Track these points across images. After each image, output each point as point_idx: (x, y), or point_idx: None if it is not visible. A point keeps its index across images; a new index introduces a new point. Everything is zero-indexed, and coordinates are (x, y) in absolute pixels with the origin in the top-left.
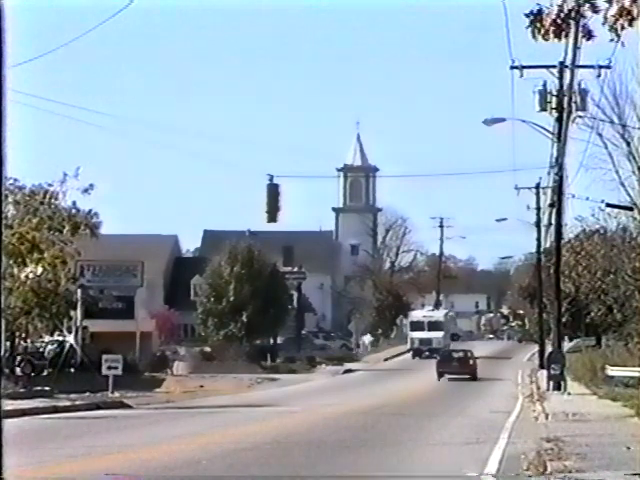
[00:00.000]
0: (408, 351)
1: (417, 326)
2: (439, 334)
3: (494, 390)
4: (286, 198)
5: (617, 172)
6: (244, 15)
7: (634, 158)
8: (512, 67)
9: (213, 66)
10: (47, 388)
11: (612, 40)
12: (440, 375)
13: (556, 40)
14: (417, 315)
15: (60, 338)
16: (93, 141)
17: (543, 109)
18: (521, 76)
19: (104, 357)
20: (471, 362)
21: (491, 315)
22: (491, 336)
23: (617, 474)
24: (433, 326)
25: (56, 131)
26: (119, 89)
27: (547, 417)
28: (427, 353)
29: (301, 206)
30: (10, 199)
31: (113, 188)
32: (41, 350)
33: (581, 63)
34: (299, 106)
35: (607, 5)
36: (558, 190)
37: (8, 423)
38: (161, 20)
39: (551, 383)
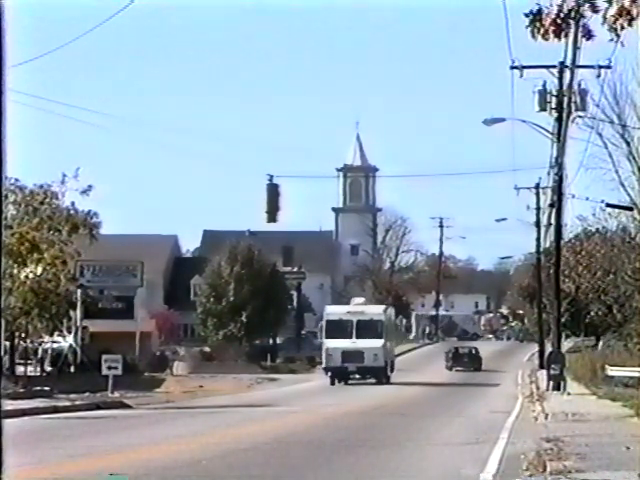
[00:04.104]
0: (326, 372)
1: (338, 329)
2: (376, 343)
3: (494, 390)
4: (286, 198)
5: (617, 172)
6: (244, 15)
7: (634, 158)
8: (512, 67)
9: (213, 66)
10: (47, 388)
11: (612, 40)
12: (450, 368)
13: (556, 40)
14: (338, 311)
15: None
16: (93, 141)
17: (543, 109)
18: (521, 76)
19: (104, 357)
20: (477, 357)
21: (491, 315)
22: (490, 336)
23: (617, 474)
24: (365, 329)
25: (56, 131)
26: (119, 89)
27: (547, 417)
28: (357, 376)
29: (301, 206)
30: (10, 199)
31: (113, 188)
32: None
33: (581, 63)
34: (299, 106)
35: (607, 5)
36: (558, 190)
37: (8, 423)
38: (161, 20)
39: (551, 383)
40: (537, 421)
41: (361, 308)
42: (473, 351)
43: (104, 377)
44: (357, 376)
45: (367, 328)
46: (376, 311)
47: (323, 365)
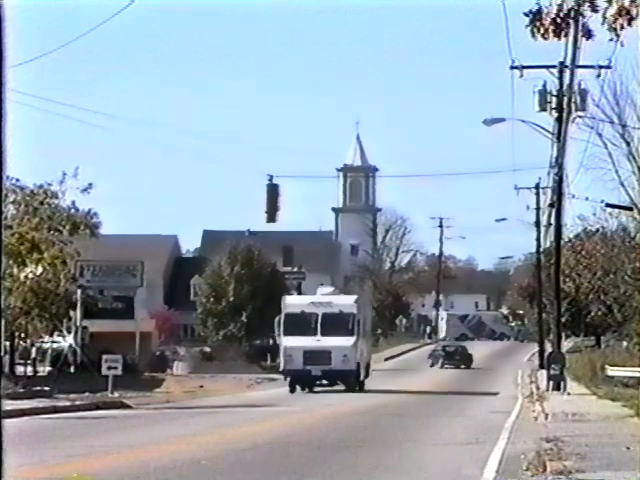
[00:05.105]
0: (285, 376)
1: (299, 324)
2: (346, 341)
3: (494, 390)
4: (286, 198)
5: (617, 172)
6: (244, 15)
7: (634, 158)
8: (512, 67)
9: (213, 66)
10: (47, 388)
11: (611, 40)
12: (442, 365)
13: (555, 39)
14: (299, 302)
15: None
16: (93, 141)
17: (543, 109)
18: (521, 76)
19: (104, 357)
20: (468, 355)
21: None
22: None
23: (617, 474)
24: (333, 324)
25: (56, 131)
26: (119, 89)
27: (547, 417)
28: (325, 381)
29: (301, 206)
30: (10, 199)
31: (113, 188)
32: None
33: (581, 63)
34: (299, 106)
35: (606, 5)
36: (558, 190)
37: (8, 423)
38: (161, 20)
39: (551, 383)
40: (537, 421)
41: (328, 298)
42: (462, 349)
43: (104, 377)
44: (324, 382)
45: (335, 323)
46: (346, 302)
47: (281, 368)
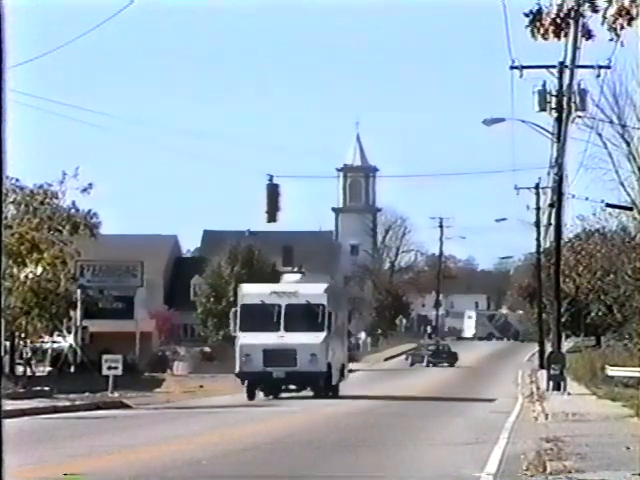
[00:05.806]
0: (242, 379)
1: (258, 317)
2: (314, 337)
3: (494, 390)
4: (286, 198)
5: (617, 172)
6: (244, 15)
7: (634, 158)
8: (512, 67)
9: (213, 66)
10: (47, 388)
11: (611, 40)
12: (428, 364)
13: (555, 39)
14: (259, 292)
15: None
16: (93, 141)
17: (543, 109)
18: (521, 76)
19: (104, 357)
20: (452, 353)
21: None
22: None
23: (617, 474)
24: (299, 317)
25: (56, 131)
26: (119, 89)
27: (547, 417)
28: (293, 386)
29: (301, 206)
30: (10, 199)
31: (113, 188)
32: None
33: (581, 63)
34: (299, 106)
35: (606, 5)
36: (558, 190)
37: (8, 423)
38: (161, 20)
39: (551, 383)
40: (537, 421)
41: (293, 287)
42: (445, 348)
43: (104, 377)
44: (291, 386)
45: (301, 316)
46: (315, 291)
47: (236, 369)
